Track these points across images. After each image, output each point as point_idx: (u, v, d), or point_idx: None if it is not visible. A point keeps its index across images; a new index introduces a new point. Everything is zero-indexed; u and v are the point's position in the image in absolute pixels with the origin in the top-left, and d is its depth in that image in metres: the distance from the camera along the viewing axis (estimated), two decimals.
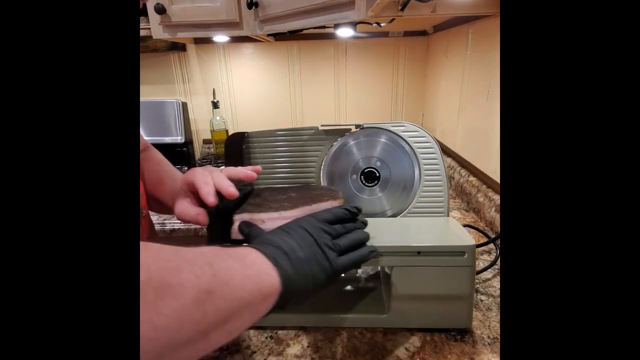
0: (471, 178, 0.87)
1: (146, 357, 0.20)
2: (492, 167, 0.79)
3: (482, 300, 0.51)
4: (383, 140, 0.53)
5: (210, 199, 0.38)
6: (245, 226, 0.39)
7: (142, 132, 1.32)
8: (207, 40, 1.32)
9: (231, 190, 0.39)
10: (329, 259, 0.33)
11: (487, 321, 0.47)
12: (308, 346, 0.44)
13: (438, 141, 0.52)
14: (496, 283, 0.55)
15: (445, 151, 1.08)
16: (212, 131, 1.33)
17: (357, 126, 0.54)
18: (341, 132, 0.55)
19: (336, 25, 0.94)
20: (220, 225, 0.40)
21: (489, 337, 0.44)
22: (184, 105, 1.36)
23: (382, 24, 0.97)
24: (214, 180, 0.40)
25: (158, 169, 0.55)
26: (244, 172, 0.42)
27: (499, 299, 0.51)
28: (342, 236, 0.36)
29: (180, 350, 0.22)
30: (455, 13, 0.70)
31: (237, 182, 0.42)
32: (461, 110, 0.96)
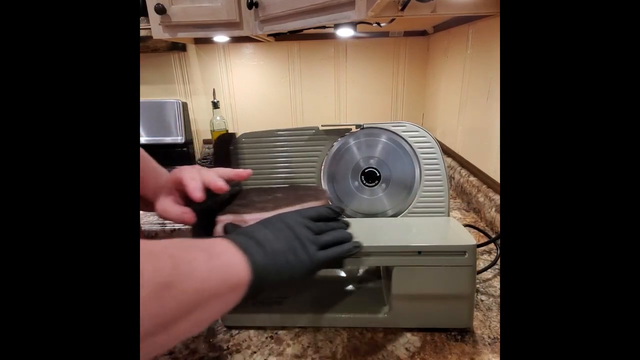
0: (471, 178, 0.87)
1: None
2: (492, 167, 0.79)
3: (482, 300, 0.51)
4: (383, 140, 0.53)
5: (198, 194, 0.38)
6: (231, 227, 0.39)
7: (142, 132, 1.32)
8: (208, 41, 1.32)
9: (220, 184, 0.39)
10: (309, 252, 0.34)
11: (488, 321, 0.47)
12: (308, 346, 0.44)
13: (438, 141, 0.52)
14: (496, 283, 0.55)
15: (446, 151, 1.08)
16: (213, 131, 1.33)
17: (357, 126, 0.54)
18: (341, 132, 0.55)
19: (336, 25, 0.94)
20: (204, 226, 0.40)
21: (489, 337, 0.44)
22: (184, 105, 1.36)
23: (382, 24, 0.97)
24: (202, 177, 0.40)
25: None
26: (234, 171, 0.42)
27: (499, 299, 0.51)
28: (324, 233, 0.37)
29: (140, 343, 0.22)
30: (456, 13, 0.70)
31: (227, 182, 0.42)
32: (461, 110, 0.96)
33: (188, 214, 0.40)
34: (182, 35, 0.99)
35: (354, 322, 0.46)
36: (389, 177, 0.54)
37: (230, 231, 0.38)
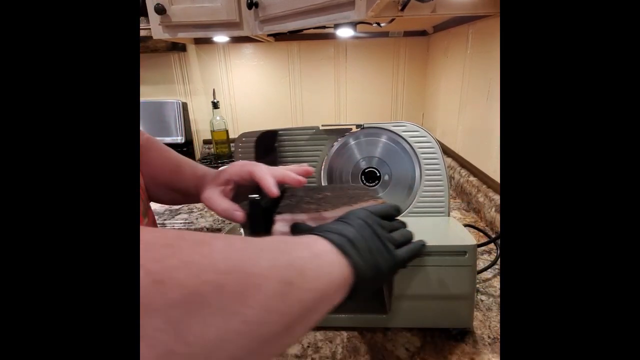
0: (471, 178, 0.87)
1: (239, 352, 0.19)
2: (492, 167, 0.79)
3: (482, 300, 0.51)
4: (384, 140, 0.53)
5: (275, 190, 0.39)
6: (294, 225, 0.38)
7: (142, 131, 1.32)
8: (208, 41, 1.32)
9: (299, 178, 0.40)
10: (390, 250, 0.32)
11: (488, 321, 0.47)
12: (308, 346, 0.44)
13: (438, 141, 0.52)
14: (496, 283, 0.55)
15: (446, 151, 1.08)
16: (212, 131, 1.33)
17: (357, 126, 0.54)
18: (342, 132, 0.55)
19: (336, 26, 0.94)
20: (259, 224, 0.40)
21: (489, 337, 0.44)
22: (184, 105, 1.36)
23: (382, 24, 0.97)
24: (274, 173, 0.41)
25: (172, 156, 0.54)
26: (302, 167, 0.43)
27: (499, 299, 0.51)
28: (393, 231, 0.35)
29: (268, 345, 0.21)
30: (455, 13, 0.70)
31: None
32: (461, 110, 0.96)
33: (239, 212, 0.40)
34: (182, 36, 0.99)
35: (353, 322, 0.46)
36: (389, 177, 0.54)
37: (300, 230, 0.37)
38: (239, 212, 0.40)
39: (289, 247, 0.25)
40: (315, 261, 0.26)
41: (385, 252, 0.32)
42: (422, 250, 0.36)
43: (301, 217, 0.38)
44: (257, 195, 0.42)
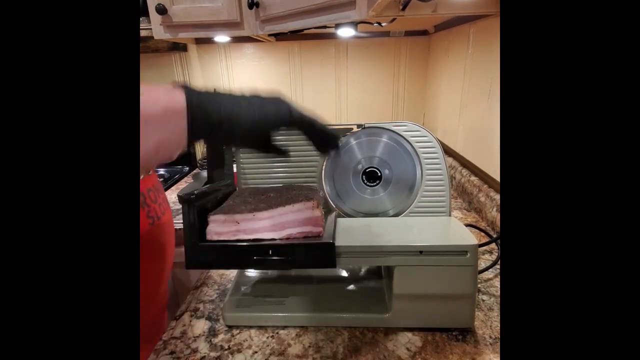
0: (472, 178, 0.87)
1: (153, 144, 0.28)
2: (494, 167, 0.79)
3: (483, 300, 0.51)
4: (385, 140, 0.53)
5: None
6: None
7: None
8: (208, 41, 1.32)
9: None
10: (290, 106, 0.38)
11: (489, 321, 0.47)
12: (309, 346, 0.44)
13: (439, 141, 0.52)
14: (498, 283, 0.55)
15: (447, 151, 1.07)
16: None
17: (358, 126, 0.54)
18: (343, 132, 0.55)
19: (337, 25, 0.94)
20: (197, 225, 0.40)
21: (490, 337, 0.44)
22: None
23: (383, 24, 0.96)
24: None
25: None
26: None
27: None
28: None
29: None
30: (456, 13, 0.70)
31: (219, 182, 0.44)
32: (462, 110, 0.96)
33: None
34: (183, 36, 0.99)
35: (355, 321, 0.46)
36: (390, 176, 0.54)
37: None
38: None
39: (159, 93, 0.31)
40: (145, 89, 0.29)
41: (284, 104, 0.38)
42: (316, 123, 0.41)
43: (234, 218, 0.40)
44: (192, 194, 0.42)
